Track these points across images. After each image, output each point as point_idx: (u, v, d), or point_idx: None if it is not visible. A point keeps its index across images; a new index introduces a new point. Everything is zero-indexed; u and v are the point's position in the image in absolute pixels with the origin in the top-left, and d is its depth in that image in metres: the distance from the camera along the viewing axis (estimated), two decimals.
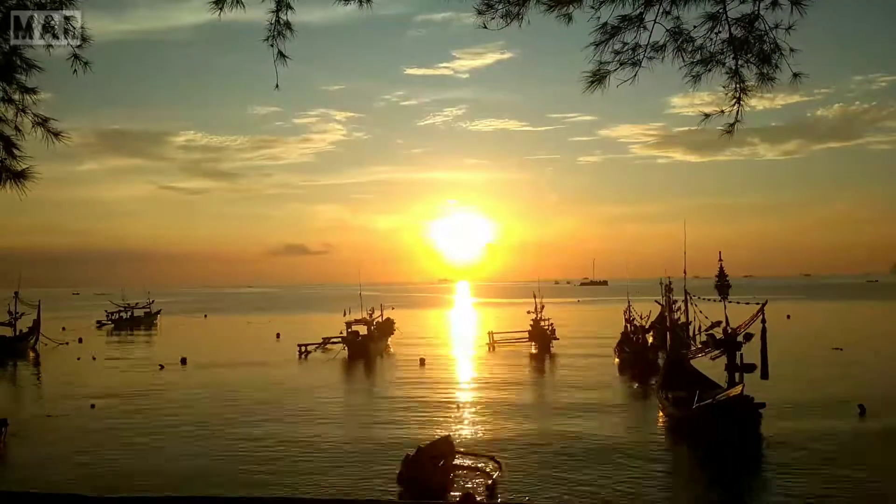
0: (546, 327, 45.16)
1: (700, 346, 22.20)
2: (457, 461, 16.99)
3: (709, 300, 22.53)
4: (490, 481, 15.73)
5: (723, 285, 21.35)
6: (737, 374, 19.32)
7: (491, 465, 16.72)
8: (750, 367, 19.08)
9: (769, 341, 19.05)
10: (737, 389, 18.43)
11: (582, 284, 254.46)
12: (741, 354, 19.39)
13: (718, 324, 20.92)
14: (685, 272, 28.21)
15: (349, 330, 44.76)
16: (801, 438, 19.41)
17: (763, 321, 18.65)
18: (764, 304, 18.89)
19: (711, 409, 19.02)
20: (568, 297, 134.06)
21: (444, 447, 17.04)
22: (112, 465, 17.93)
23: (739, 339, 19.50)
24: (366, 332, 45.58)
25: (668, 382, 24.09)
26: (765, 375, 18.77)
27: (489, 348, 46.61)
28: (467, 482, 15.92)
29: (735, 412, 18.25)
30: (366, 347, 43.69)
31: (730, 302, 20.75)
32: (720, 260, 21.61)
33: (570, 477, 16.35)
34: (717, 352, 20.29)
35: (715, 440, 18.54)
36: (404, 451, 16.87)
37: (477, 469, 16.79)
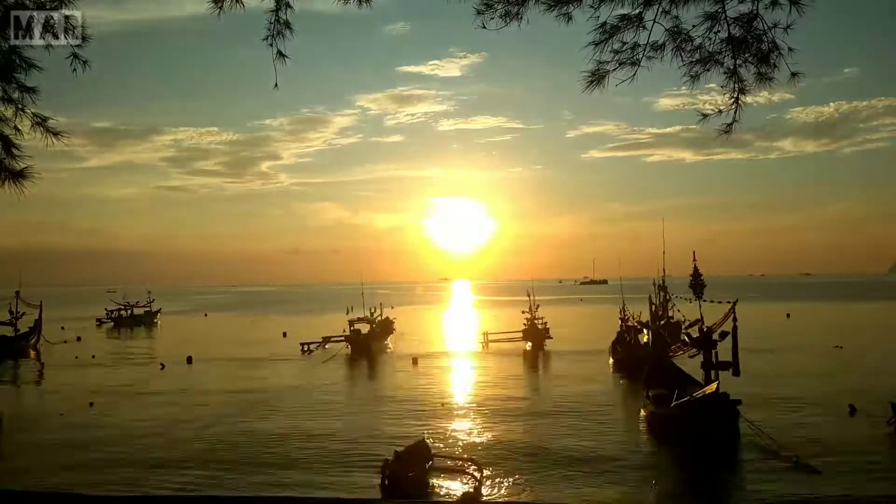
0: (540, 326, 45.27)
1: (679, 344, 22.35)
2: (436, 464, 16.74)
3: (687, 300, 22.72)
4: (473, 482, 15.61)
5: (697, 284, 21.49)
6: (712, 372, 19.41)
7: (471, 466, 16.52)
8: (725, 365, 19.17)
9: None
10: (712, 387, 18.46)
11: (581, 283, 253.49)
12: (715, 353, 19.46)
13: (700, 321, 21.07)
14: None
15: (351, 328, 45.16)
16: (786, 435, 19.28)
17: (734, 319, 18.86)
18: (734, 304, 19.18)
19: (687, 406, 19.07)
20: (568, 296, 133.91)
21: (422, 451, 16.81)
22: (111, 464, 17.89)
23: (715, 337, 19.58)
24: (367, 331, 45.89)
25: (650, 380, 24.11)
26: (736, 373, 18.95)
27: (484, 347, 46.72)
28: (448, 485, 15.79)
29: (711, 409, 18.25)
30: (367, 345, 44.20)
31: (710, 302, 21.03)
32: (694, 260, 21.86)
33: (552, 477, 16.28)
34: (693, 350, 20.40)
35: (692, 437, 18.49)
36: (391, 452, 16.61)
37: (457, 471, 16.55)
